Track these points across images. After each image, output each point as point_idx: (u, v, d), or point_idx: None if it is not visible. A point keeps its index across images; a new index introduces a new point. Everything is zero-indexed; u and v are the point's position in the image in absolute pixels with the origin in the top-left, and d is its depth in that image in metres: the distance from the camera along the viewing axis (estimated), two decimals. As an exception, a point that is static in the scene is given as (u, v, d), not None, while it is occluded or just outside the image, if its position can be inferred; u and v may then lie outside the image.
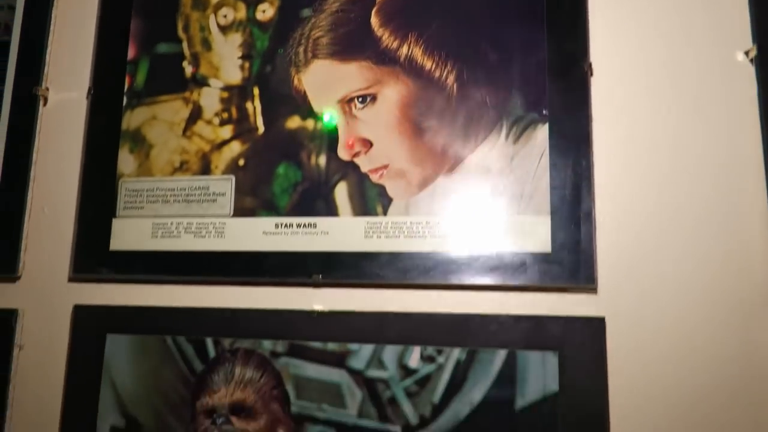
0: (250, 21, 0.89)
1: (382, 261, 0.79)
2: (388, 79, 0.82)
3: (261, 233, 0.83)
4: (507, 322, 0.76)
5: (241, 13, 0.89)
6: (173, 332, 0.84)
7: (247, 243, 0.83)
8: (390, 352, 0.78)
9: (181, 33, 0.91)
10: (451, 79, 0.81)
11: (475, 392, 0.75)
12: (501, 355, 0.75)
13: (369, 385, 0.78)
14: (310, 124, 0.84)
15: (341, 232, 0.81)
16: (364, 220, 0.81)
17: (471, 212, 0.78)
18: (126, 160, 0.89)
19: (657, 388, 0.72)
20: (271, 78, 0.86)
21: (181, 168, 0.87)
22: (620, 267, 0.75)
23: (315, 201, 0.82)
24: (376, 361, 0.78)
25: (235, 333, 0.82)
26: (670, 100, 0.77)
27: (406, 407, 0.76)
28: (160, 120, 0.89)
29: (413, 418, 0.76)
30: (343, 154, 0.83)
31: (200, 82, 0.89)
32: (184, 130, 0.88)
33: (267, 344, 0.81)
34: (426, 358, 0.77)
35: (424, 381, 0.76)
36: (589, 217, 0.75)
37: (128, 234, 0.87)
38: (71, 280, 0.88)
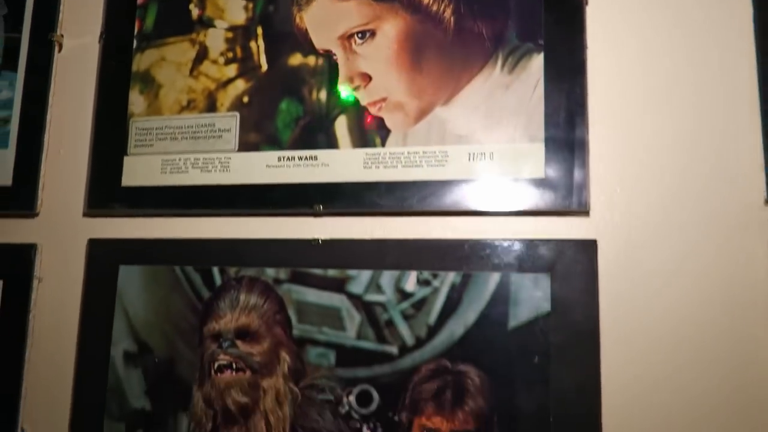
0: (254, -37, 0.91)
1: (380, 190, 0.81)
2: (387, 14, 0.84)
3: (264, 167, 0.86)
4: (501, 246, 0.78)
5: (245, -44, 0.92)
6: (182, 262, 0.87)
7: (251, 176, 0.86)
8: (387, 277, 0.80)
9: (187, -23, 0.94)
10: (448, 12, 0.82)
11: (469, 314, 0.77)
12: (495, 277, 0.77)
13: (367, 308, 0.80)
14: (311, 60, 0.87)
15: (341, 163, 0.83)
16: (363, 152, 0.83)
17: (467, 141, 0.80)
18: (136, 101, 0.92)
19: (647, 307, 0.74)
20: (273, 17, 0.89)
21: (189, 106, 0.90)
22: (613, 191, 0.76)
23: (316, 134, 0.85)
24: (374, 285, 0.81)
25: (240, 262, 0.85)
26: (665, 29, 0.78)
27: (403, 329, 0.79)
28: (168, 61, 0.92)
29: (409, 339, 0.78)
30: (343, 88, 0.85)
31: (206, 23, 0.92)
32: (191, 70, 0.91)
33: (270, 272, 0.84)
34: (422, 282, 0.79)
35: (420, 304, 0.79)
36: (583, 143, 0.77)
37: (139, 170, 0.90)
38: (86, 215, 0.92)
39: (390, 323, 0.79)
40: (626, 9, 0.79)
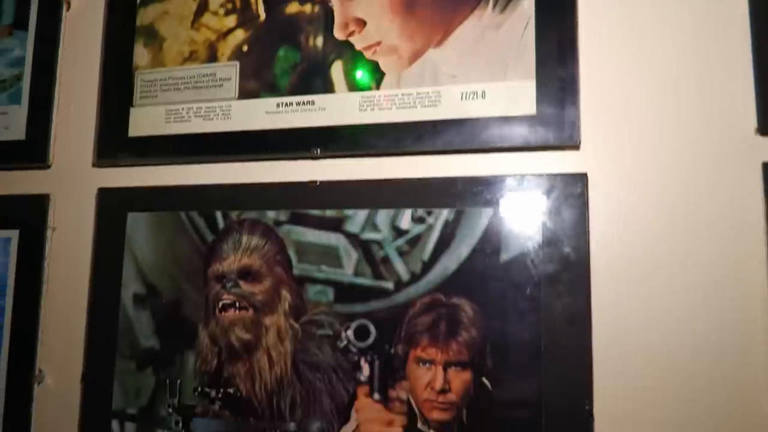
0: None
1: (375, 132, 0.83)
2: (380, -40, 0.85)
3: (264, 113, 0.88)
4: (493, 182, 0.79)
5: None
6: (186, 208, 0.90)
7: (251, 123, 0.89)
8: (383, 216, 0.82)
9: (188, -67, 0.96)
10: (439, -45, 0.83)
11: (462, 249, 0.79)
12: (487, 213, 0.79)
13: (364, 246, 0.83)
14: (307, 8, 0.88)
15: (337, 107, 0.85)
16: (358, 95, 0.85)
17: (459, 82, 0.81)
18: (141, 54, 0.95)
19: (637, 237, 0.75)
20: (271, -33, 0.91)
21: (191, 57, 0.93)
22: (603, 126, 0.77)
23: (313, 80, 0.87)
24: (371, 224, 0.83)
25: (242, 205, 0.88)
26: (656, -37, 0.78)
27: (398, 265, 0.81)
28: (171, 14, 0.95)
29: (404, 275, 0.81)
30: (338, 34, 0.87)
31: (206, -24, 0.94)
32: (193, 22, 0.94)
33: (270, 214, 0.87)
34: (416, 220, 0.81)
35: (415, 240, 0.81)
36: (574, 79, 0.78)
37: (144, 121, 0.94)
38: (95, 165, 0.96)
39: (386, 260, 0.82)
40: (618, -54, 0.80)
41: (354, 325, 0.81)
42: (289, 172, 0.87)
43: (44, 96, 0.99)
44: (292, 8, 0.89)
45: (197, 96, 0.92)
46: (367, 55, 0.85)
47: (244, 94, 0.90)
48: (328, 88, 0.86)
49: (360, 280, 0.82)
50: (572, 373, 0.74)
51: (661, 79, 0.76)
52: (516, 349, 0.76)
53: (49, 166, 0.98)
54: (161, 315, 0.89)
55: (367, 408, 0.79)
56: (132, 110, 0.94)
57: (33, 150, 0.98)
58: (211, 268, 0.88)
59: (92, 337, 0.92)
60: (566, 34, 0.79)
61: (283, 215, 0.86)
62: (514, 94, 0.79)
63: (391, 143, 0.83)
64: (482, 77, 0.80)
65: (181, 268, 0.90)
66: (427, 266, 0.80)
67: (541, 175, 0.78)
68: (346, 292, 0.82)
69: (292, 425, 0.82)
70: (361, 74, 0.85)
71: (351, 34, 0.86)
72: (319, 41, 0.87)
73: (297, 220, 0.86)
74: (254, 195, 0.88)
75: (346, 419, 0.80)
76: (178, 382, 0.87)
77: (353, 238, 0.83)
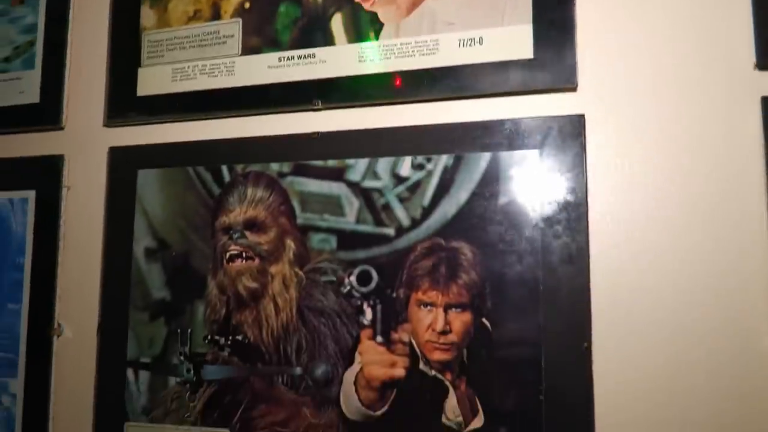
0: None
1: (375, 82, 0.84)
2: None
3: (266, 68, 0.90)
4: (491, 127, 0.80)
5: None
6: (194, 163, 0.93)
7: (253, 78, 0.90)
8: (383, 164, 0.84)
9: None
10: None
11: (462, 193, 0.80)
12: (485, 157, 0.80)
13: (365, 194, 0.84)
14: (307, -37, 0.90)
15: (337, 59, 0.87)
16: (357, 46, 0.86)
17: (456, 29, 0.82)
18: (147, 15, 0.97)
19: (634, 176, 0.75)
20: (270, -76, 0.92)
21: (195, 17, 0.95)
22: (600, 67, 0.77)
23: (313, 33, 0.88)
24: (371, 172, 0.84)
25: (247, 159, 0.90)
26: None
27: (399, 211, 0.82)
28: (175, -25, 0.97)
29: (405, 221, 0.82)
30: (337, -13, 0.88)
31: (208, -64, 0.96)
32: (196, -18, 0.96)
33: (274, 166, 0.88)
34: (416, 167, 0.82)
35: (415, 187, 0.82)
36: (570, 21, 0.78)
37: (152, 80, 0.96)
38: (106, 125, 0.98)
39: (387, 207, 0.83)
40: None
41: (356, 271, 0.83)
42: (292, 125, 0.88)
43: (56, 60, 1.02)
44: (292, -36, 0.90)
45: (202, 54, 0.93)
46: (366, 6, 0.86)
47: (247, 50, 0.91)
48: (328, 41, 0.87)
49: (362, 228, 0.84)
50: (570, 312, 0.75)
51: (658, 17, 0.76)
52: (515, 289, 0.77)
53: (62, 128, 1.01)
54: (172, 267, 0.92)
55: (370, 350, 0.81)
56: (140, 70, 0.97)
57: (47, 113, 1.01)
58: (218, 221, 0.90)
59: (107, 290, 0.95)
60: (563, -23, 0.79)
61: (286, 167, 0.88)
62: (512, 39, 0.79)
63: (390, 93, 0.84)
64: (480, 23, 0.81)
65: (189, 222, 0.92)
66: (427, 211, 0.81)
67: (538, 118, 0.78)
68: (348, 239, 0.84)
69: (298, 369, 0.84)
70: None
71: (350, -14, 0.87)
72: (319, -5, 0.89)
73: (300, 171, 0.87)
74: (258, 148, 0.90)
75: (350, 362, 0.82)
76: (189, 331, 0.90)
77: (354, 187, 0.85)
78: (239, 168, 0.90)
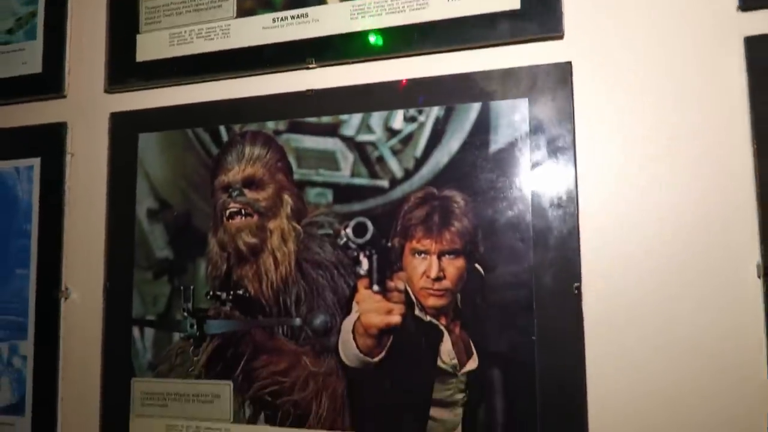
0: None
1: (366, 39, 0.86)
2: None
3: (260, 29, 0.92)
4: (481, 77, 0.81)
5: None
6: (193, 125, 0.95)
7: (249, 39, 0.92)
8: (376, 118, 0.86)
9: None
10: None
11: (453, 143, 0.82)
12: (476, 107, 0.81)
13: (359, 148, 0.86)
14: (299, -75, 0.91)
15: (330, 17, 0.88)
16: (349, 4, 0.88)
17: (445, -17, 0.83)
18: (144, -18, 1.00)
19: (622, 121, 0.76)
20: None
21: (191, -18, 0.97)
22: (586, 14, 0.79)
23: (306, -7, 0.90)
24: (365, 127, 0.86)
25: (243, 119, 0.92)
26: None
27: (392, 163, 0.84)
28: (170, -57, 0.99)
29: (399, 172, 0.84)
30: (328, -53, 0.89)
31: None
32: (191, -52, 0.97)
33: (270, 125, 0.90)
34: (408, 119, 0.84)
35: (407, 139, 0.84)
36: (557, -29, 0.79)
37: (150, 46, 0.98)
38: (107, 91, 1.01)
39: (380, 159, 0.85)
40: None
41: (352, 223, 0.85)
42: (286, 84, 0.90)
43: (57, 30, 1.04)
44: (284, -74, 0.92)
45: (198, 18, 0.95)
46: (357, -36, 0.88)
47: (242, 12, 0.93)
48: (320, -1, 0.89)
49: (357, 181, 0.86)
50: (561, 255, 0.76)
51: (642, -36, 0.77)
52: (506, 234, 0.78)
53: (64, 96, 1.03)
54: (173, 227, 0.95)
55: (367, 299, 0.83)
56: (138, 37, 0.99)
57: (49, 82, 1.04)
58: (218, 180, 0.92)
59: (111, 252, 0.97)
60: (549, -72, 0.80)
61: (282, 125, 0.90)
62: (499, -9, 0.81)
63: (381, 48, 0.86)
64: (467, -23, 0.82)
65: (190, 182, 0.94)
66: (420, 162, 0.83)
67: (527, 67, 0.80)
68: (343, 192, 0.86)
69: (297, 320, 0.86)
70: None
71: (341, -55, 0.88)
72: (311, -45, 0.90)
73: (295, 128, 0.89)
74: (255, 108, 0.92)
75: (347, 311, 0.84)
76: (192, 287, 0.92)
77: (349, 141, 0.87)
78: (237, 128, 0.92)
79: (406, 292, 0.82)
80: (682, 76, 0.75)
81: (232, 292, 0.90)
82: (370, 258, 0.84)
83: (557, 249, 0.76)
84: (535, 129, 0.79)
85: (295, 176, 0.89)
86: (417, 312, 0.81)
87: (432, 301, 0.81)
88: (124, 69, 0.99)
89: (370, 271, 0.83)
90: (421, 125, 0.83)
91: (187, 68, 0.96)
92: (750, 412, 0.69)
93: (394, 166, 0.84)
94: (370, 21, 0.86)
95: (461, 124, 0.82)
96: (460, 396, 0.78)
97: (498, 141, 0.80)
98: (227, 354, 0.89)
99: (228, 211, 0.91)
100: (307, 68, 0.89)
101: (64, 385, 0.98)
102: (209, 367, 0.90)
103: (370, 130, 0.86)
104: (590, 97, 0.78)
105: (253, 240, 0.89)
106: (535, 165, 0.78)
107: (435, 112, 0.83)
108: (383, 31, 0.85)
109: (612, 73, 0.77)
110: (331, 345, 0.84)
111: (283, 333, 0.87)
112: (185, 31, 0.96)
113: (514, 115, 0.80)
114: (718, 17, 0.74)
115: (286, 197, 0.89)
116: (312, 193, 0.87)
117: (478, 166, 0.80)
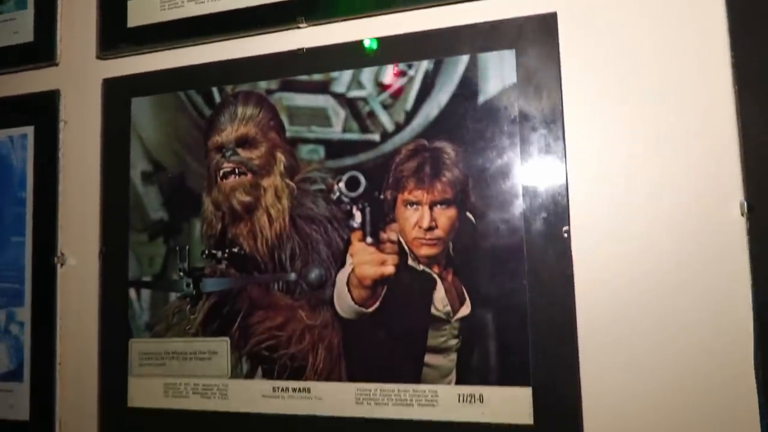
0: None
1: (356, -4, 0.88)
2: None
3: (251, -10, 0.93)
4: (468, 31, 0.83)
5: None
6: (185, 87, 0.96)
7: (239, 0, 0.93)
8: (367, 74, 0.87)
9: None
10: None
11: (442, 96, 0.83)
12: (463, 60, 0.83)
13: (350, 104, 0.87)
14: None
15: (319, -24, 0.90)
16: (338, -37, 0.89)
17: (432, -61, 0.85)
18: (134, -51, 1.01)
19: (609, 68, 0.78)
20: None
21: (180, -53, 0.98)
22: (571, -35, 0.80)
23: (295, -46, 0.91)
24: (356, 82, 0.87)
25: (235, 79, 0.93)
26: None
27: (383, 117, 0.86)
28: None
29: (389, 126, 0.85)
30: None
31: None
32: None
33: (262, 84, 0.92)
34: (398, 74, 0.85)
35: (398, 93, 0.85)
36: (541, -76, 0.80)
37: (141, 11, 0.99)
38: (99, 57, 1.01)
39: (371, 114, 0.86)
40: None
41: (345, 177, 0.86)
42: (277, 43, 0.92)
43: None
44: None
45: (188, -18, 0.96)
46: (345, -77, 0.89)
47: (232, -26, 0.94)
48: (309, -41, 0.90)
49: (348, 136, 0.87)
50: (550, 200, 0.78)
51: None
52: (496, 182, 0.80)
53: (57, 64, 1.04)
54: (168, 189, 0.96)
55: (361, 251, 0.84)
56: (129, 2, 1.00)
57: (41, 50, 1.04)
58: (211, 140, 0.93)
59: (106, 215, 0.98)
60: None
61: (274, 84, 0.91)
62: (485, -55, 0.82)
63: (370, 4, 0.87)
64: (454, -68, 0.84)
65: (183, 144, 0.95)
66: (410, 115, 0.84)
67: (512, 19, 0.81)
68: (335, 148, 0.87)
69: (292, 275, 0.87)
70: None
71: None
72: None
73: (287, 86, 0.90)
74: (246, 68, 0.93)
75: (342, 264, 0.85)
76: (187, 247, 0.93)
77: (340, 98, 0.88)
78: (229, 89, 0.93)
79: (399, 242, 0.83)
80: (664, 28, 0.76)
81: (227, 251, 0.91)
82: (362, 211, 0.85)
83: (547, 194, 0.78)
84: (522, 78, 0.80)
85: (288, 134, 0.90)
86: (410, 262, 0.82)
87: (425, 251, 0.82)
88: (116, 35, 1.00)
89: (363, 223, 0.85)
90: (411, 79, 0.85)
91: (178, 32, 0.96)
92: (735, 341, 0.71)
93: (385, 120, 0.85)
94: (359, -21, 0.87)
95: (450, 77, 0.83)
96: (453, 342, 0.80)
97: (487, 92, 0.81)
98: (224, 311, 0.91)
99: (222, 171, 0.92)
100: (298, 27, 0.91)
101: (62, 350, 0.99)
102: (206, 325, 0.91)
103: (360, 85, 0.87)
104: (576, 44, 0.79)
105: (247, 198, 0.91)
106: (523, 114, 0.79)
107: (424, 66, 0.84)
108: (372, -12, 0.87)
109: (597, 22, 0.79)
110: (326, 298, 0.86)
111: (279, 288, 0.88)
112: (176, -5, 0.97)
113: (501, 67, 0.81)
114: (699, -37, 0.76)
115: (279, 155, 0.90)
116: (304, 150, 0.89)
117: (468, 117, 0.82)
